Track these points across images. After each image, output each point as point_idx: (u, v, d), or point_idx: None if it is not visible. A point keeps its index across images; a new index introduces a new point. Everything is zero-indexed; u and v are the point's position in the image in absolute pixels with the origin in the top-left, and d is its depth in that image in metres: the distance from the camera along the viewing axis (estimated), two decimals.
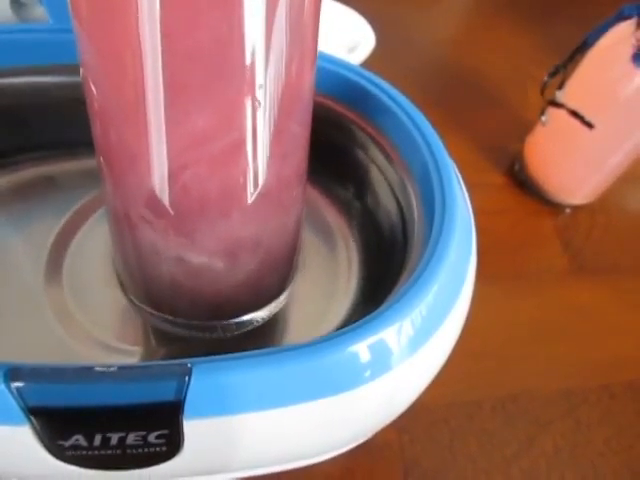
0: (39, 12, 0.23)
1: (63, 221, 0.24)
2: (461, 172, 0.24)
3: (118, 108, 0.14)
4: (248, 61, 0.13)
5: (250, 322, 0.21)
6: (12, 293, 0.22)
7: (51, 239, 0.24)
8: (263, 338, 0.23)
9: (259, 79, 0.13)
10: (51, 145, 0.26)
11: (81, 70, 0.15)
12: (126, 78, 0.13)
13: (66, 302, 0.22)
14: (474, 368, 0.31)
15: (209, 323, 0.21)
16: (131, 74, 0.13)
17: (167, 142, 0.14)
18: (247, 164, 0.15)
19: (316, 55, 0.16)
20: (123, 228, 0.18)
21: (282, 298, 0.22)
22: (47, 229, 0.24)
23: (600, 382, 0.32)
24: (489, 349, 0.32)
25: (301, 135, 0.17)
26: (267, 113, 0.14)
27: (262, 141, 0.15)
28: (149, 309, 0.22)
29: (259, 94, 0.14)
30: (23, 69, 0.22)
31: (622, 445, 0.30)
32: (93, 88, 0.14)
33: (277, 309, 0.22)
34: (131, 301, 0.22)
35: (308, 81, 0.16)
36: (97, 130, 0.16)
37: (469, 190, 0.25)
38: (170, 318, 0.21)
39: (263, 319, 0.22)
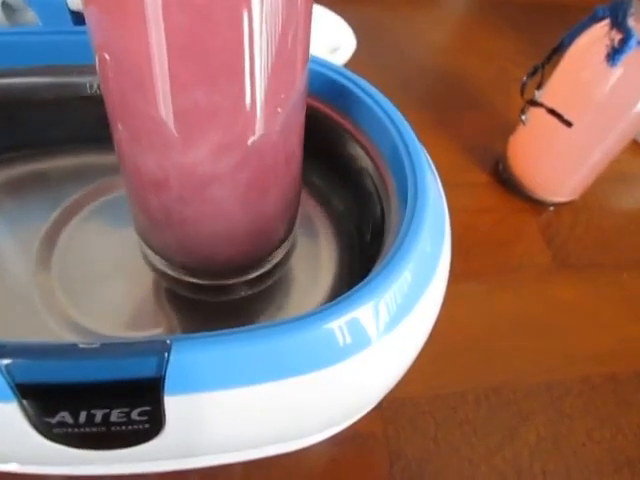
0: (30, 17, 0.24)
1: (53, 215, 0.25)
2: (447, 172, 0.25)
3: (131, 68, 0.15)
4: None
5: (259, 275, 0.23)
6: (2, 284, 0.23)
7: (41, 233, 0.25)
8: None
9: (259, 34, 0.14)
10: (42, 143, 0.26)
11: (96, 55, 0.16)
12: (136, 42, 0.14)
13: (55, 292, 0.23)
14: (459, 361, 0.32)
15: (223, 282, 0.23)
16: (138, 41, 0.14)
17: (172, 93, 0.15)
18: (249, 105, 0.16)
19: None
20: (142, 181, 0.19)
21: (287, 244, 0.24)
22: (38, 223, 0.25)
23: (581, 374, 0.32)
24: (473, 342, 0.33)
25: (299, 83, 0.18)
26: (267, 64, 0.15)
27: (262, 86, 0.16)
28: (169, 271, 0.23)
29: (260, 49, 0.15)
30: (14, 70, 0.23)
31: (604, 435, 0.30)
32: (107, 57, 0.15)
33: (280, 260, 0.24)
34: (152, 266, 0.23)
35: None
36: (113, 97, 0.16)
37: (454, 189, 0.26)
38: (188, 279, 0.23)
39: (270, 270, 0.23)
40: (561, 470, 0.29)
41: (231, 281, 0.23)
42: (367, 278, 0.17)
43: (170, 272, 0.23)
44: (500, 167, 0.41)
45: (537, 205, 0.40)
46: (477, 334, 0.33)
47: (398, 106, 0.23)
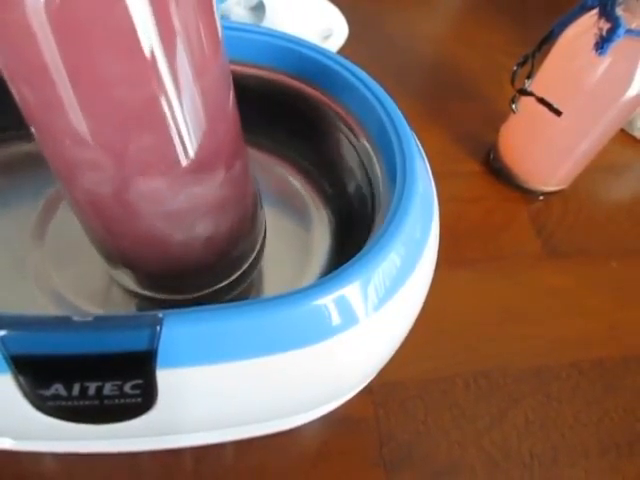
0: None
1: (47, 195, 0.25)
2: (438, 161, 0.25)
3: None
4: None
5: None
6: None
7: (36, 212, 0.25)
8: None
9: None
10: None
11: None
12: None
13: (47, 269, 0.23)
14: (449, 346, 0.32)
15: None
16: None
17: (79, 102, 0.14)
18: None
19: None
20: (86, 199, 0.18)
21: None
22: (32, 203, 0.25)
23: (570, 359, 0.33)
24: (463, 328, 0.33)
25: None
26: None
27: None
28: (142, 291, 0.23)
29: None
30: None
31: (591, 418, 0.31)
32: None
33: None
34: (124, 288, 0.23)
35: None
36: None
37: (446, 178, 0.26)
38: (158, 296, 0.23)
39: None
40: (548, 452, 0.29)
41: (197, 294, 0.23)
42: (355, 258, 0.18)
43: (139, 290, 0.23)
44: (491, 156, 0.41)
45: (527, 194, 0.40)
46: (467, 320, 0.33)
47: (390, 95, 0.23)
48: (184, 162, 0.16)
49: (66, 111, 0.14)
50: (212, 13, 0.15)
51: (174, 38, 0.14)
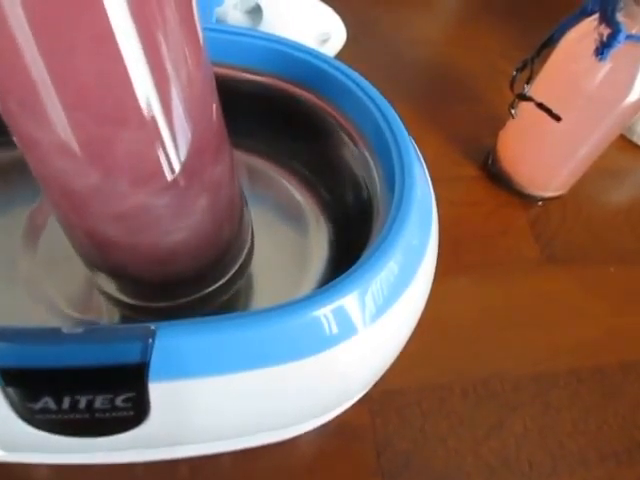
0: None
1: (40, 201, 0.25)
2: (436, 165, 0.25)
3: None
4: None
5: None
6: None
7: (28, 218, 0.24)
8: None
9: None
10: None
11: None
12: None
13: (39, 276, 0.23)
14: (446, 353, 0.32)
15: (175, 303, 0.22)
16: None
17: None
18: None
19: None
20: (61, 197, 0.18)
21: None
22: (24, 208, 0.25)
23: (569, 366, 0.32)
24: (461, 335, 0.33)
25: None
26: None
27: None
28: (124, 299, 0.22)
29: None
30: None
31: (589, 426, 0.30)
32: None
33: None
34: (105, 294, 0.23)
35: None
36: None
37: (444, 182, 0.26)
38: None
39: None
40: (547, 460, 0.29)
41: (186, 299, 0.22)
42: (353, 267, 0.17)
43: (126, 299, 0.22)
44: (490, 161, 0.41)
45: (526, 200, 0.40)
46: (465, 326, 0.33)
47: (389, 99, 0.23)
48: (163, 166, 0.16)
49: (43, 109, 0.14)
50: (192, 11, 0.15)
51: (154, 34, 0.13)
